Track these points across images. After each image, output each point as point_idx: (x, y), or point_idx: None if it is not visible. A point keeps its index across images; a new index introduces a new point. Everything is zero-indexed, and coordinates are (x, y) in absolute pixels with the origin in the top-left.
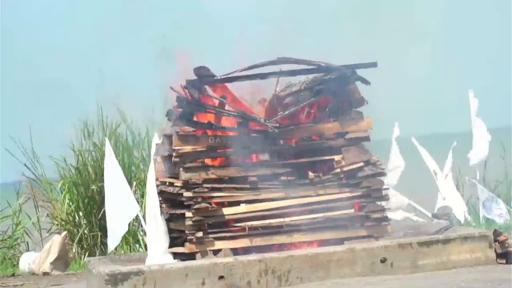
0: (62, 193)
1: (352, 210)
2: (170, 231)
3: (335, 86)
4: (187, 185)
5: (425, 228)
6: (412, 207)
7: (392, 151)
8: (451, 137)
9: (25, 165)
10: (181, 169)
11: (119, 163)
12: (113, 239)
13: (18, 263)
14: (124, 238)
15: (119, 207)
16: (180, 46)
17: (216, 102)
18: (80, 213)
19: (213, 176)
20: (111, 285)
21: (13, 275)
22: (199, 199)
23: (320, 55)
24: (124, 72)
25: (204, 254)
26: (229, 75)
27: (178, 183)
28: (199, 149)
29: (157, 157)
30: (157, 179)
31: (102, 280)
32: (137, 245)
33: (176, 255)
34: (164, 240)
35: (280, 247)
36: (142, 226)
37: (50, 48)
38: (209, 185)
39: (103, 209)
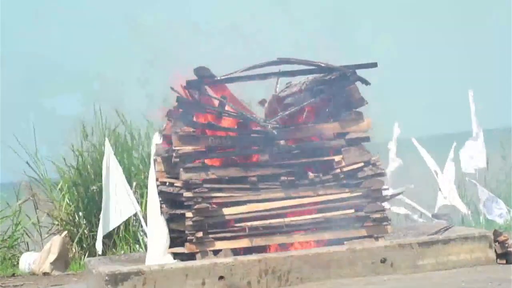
0: (61, 193)
1: (352, 210)
2: (170, 231)
3: (335, 86)
4: (187, 185)
5: (425, 228)
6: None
7: (390, 153)
8: (451, 137)
9: (27, 163)
10: (181, 169)
11: (119, 163)
12: (99, 238)
13: (18, 263)
14: (124, 238)
15: (117, 206)
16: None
17: (216, 102)
18: (80, 213)
19: (213, 176)
20: (111, 285)
21: (13, 275)
22: (199, 199)
23: (320, 55)
24: (123, 72)
25: (204, 254)
26: (229, 76)
27: (178, 183)
28: (199, 150)
29: (157, 157)
30: (157, 179)
31: (102, 280)
32: (137, 245)
33: (176, 255)
34: (165, 240)
35: (280, 247)
36: (142, 226)
37: (49, 47)
38: (209, 185)
39: None
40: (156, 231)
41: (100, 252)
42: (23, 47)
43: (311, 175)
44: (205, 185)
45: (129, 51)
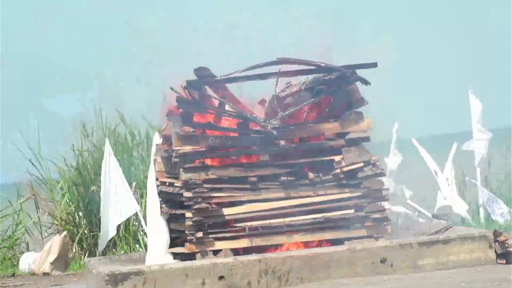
0: (62, 193)
1: (352, 210)
2: (170, 231)
3: (335, 86)
4: (187, 185)
5: (425, 228)
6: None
7: (391, 150)
8: (451, 137)
9: (30, 161)
10: (181, 169)
11: (119, 163)
12: (104, 239)
13: (18, 263)
14: (124, 238)
15: (117, 207)
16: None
17: (216, 102)
18: (80, 213)
19: (213, 176)
20: (111, 285)
21: (13, 275)
22: (199, 199)
23: (320, 55)
24: (123, 71)
25: (204, 254)
26: (229, 76)
27: (178, 183)
28: (199, 150)
29: (157, 157)
30: (157, 179)
31: (102, 280)
32: (137, 245)
33: (176, 255)
34: (165, 240)
35: (280, 247)
36: (142, 226)
37: (49, 47)
38: (209, 185)
39: None
40: (156, 231)
41: (100, 250)
42: (23, 47)
43: (311, 175)
44: (205, 185)
45: (129, 51)
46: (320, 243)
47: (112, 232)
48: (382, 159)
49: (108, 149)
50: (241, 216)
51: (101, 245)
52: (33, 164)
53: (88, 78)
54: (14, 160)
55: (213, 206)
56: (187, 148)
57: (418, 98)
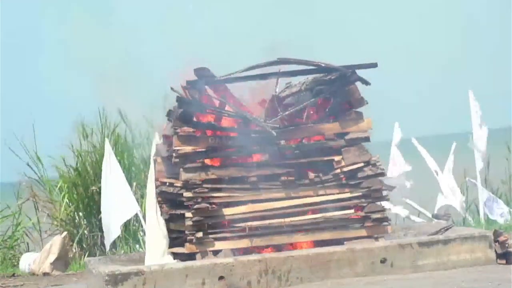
0: (61, 193)
1: (352, 210)
2: (170, 231)
3: (335, 86)
4: (187, 186)
5: (425, 228)
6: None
7: (393, 156)
8: (451, 137)
9: (27, 164)
10: (181, 169)
11: (119, 164)
12: (109, 239)
13: (18, 264)
14: (124, 238)
15: (118, 207)
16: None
17: (217, 102)
18: (80, 214)
19: (213, 177)
20: (111, 285)
21: (13, 275)
22: (199, 200)
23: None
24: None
25: (204, 254)
26: (229, 76)
27: (178, 183)
28: (199, 150)
29: (157, 157)
30: (157, 180)
31: (102, 280)
32: (137, 245)
33: (176, 256)
34: (164, 240)
35: (280, 247)
36: (142, 226)
37: (49, 47)
38: (209, 186)
39: None
40: (156, 231)
41: (107, 249)
42: (24, 46)
43: (311, 175)
44: (205, 185)
45: (130, 50)
46: (320, 243)
47: (116, 233)
48: (383, 159)
49: (108, 149)
50: (241, 216)
51: (107, 244)
52: (29, 166)
53: (88, 77)
54: (14, 160)
55: (213, 206)
56: (187, 148)
57: (418, 98)
